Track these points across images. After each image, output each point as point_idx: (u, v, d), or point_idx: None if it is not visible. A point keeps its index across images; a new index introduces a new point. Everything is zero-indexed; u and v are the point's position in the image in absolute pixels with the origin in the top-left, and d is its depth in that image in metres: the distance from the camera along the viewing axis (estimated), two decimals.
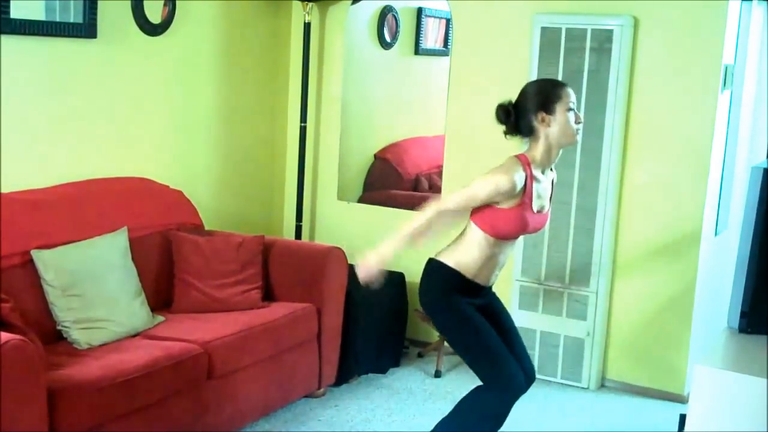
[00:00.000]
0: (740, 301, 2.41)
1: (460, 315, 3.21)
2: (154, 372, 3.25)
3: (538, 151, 3.16)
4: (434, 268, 3.25)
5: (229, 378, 3.61)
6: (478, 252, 3.18)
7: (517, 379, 3.21)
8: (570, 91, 3.18)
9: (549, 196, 3.27)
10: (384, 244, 3.16)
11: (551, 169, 3.27)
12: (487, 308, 3.29)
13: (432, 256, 3.28)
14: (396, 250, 3.16)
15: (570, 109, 3.14)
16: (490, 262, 3.21)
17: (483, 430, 3.27)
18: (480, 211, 3.16)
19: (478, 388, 3.26)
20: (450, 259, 3.21)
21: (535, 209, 3.17)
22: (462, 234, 3.24)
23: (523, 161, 3.14)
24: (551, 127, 3.13)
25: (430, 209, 3.14)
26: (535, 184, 3.15)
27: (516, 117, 3.17)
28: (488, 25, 4.66)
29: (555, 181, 3.33)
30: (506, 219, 3.13)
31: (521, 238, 3.48)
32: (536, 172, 3.16)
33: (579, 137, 3.21)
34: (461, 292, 3.21)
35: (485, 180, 3.10)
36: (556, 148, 3.18)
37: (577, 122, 3.16)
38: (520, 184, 3.09)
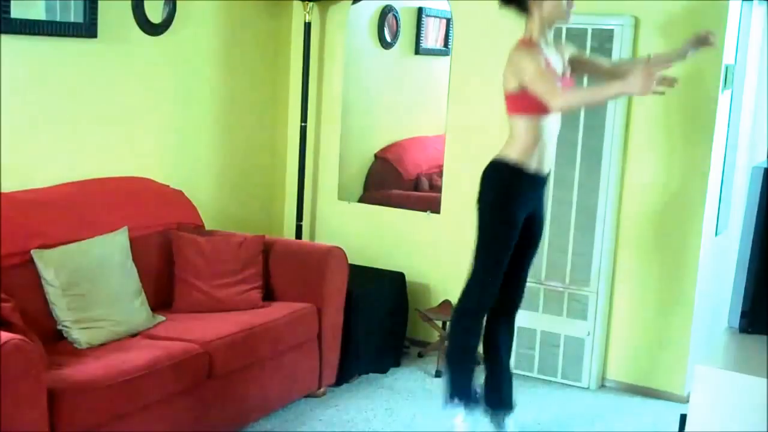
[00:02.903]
0: (740, 301, 2.41)
1: (502, 219, 3.52)
2: (155, 372, 3.25)
3: (534, 28, 3.45)
4: (495, 167, 3.53)
5: (229, 378, 3.61)
6: (526, 136, 3.45)
7: (482, 303, 3.62)
8: None
9: (563, 67, 3.54)
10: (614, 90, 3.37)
11: (554, 47, 3.54)
12: (529, 224, 3.59)
13: (493, 157, 3.56)
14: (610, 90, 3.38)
15: None
16: (539, 143, 3.47)
17: (466, 363, 3.70)
18: (516, 102, 3.45)
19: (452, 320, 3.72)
20: (510, 153, 3.48)
21: (559, 72, 3.46)
22: (510, 135, 3.51)
23: (525, 41, 3.44)
24: (544, 5, 3.41)
25: (567, 97, 3.40)
26: (545, 52, 3.44)
27: None
28: (488, 25, 4.65)
29: (565, 56, 3.60)
30: None
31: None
32: (543, 47, 3.44)
33: (571, 18, 3.46)
34: (518, 186, 3.49)
35: (522, 66, 3.34)
36: (548, 24, 3.46)
37: (570, 6, 3.42)
38: (535, 53, 3.37)
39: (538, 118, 3.44)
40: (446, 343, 3.87)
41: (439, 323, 4.69)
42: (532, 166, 3.49)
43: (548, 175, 3.64)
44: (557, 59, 3.53)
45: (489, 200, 3.56)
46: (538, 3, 3.41)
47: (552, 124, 3.51)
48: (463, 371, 3.73)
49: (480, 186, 3.57)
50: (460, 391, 3.70)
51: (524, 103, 3.42)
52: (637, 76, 3.16)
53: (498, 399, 3.82)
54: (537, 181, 3.56)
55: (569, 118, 4.37)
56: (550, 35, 3.52)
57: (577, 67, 3.68)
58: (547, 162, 3.55)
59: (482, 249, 3.59)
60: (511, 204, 3.52)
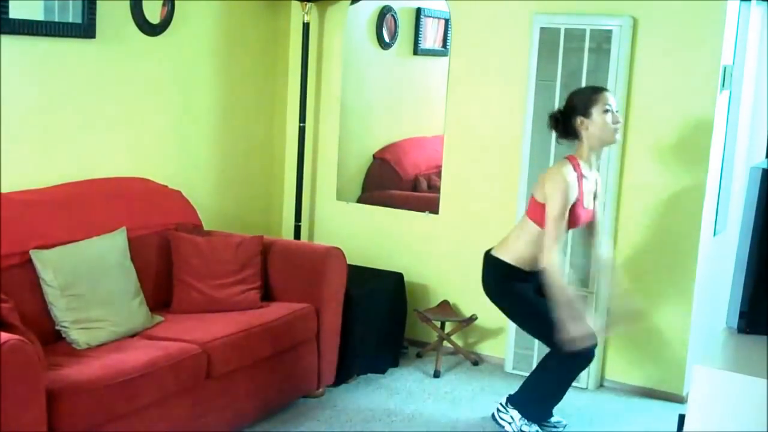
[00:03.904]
0: (739, 302, 2.41)
1: (519, 298, 3.73)
2: (153, 372, 3.25)
3: (584, 150, 3.63)
4: (492, 263, 3.75)
5: (228, 378, 3.61)
6: (533, 246, 3.62)
7: (586, 348, 3.66)
8: (607, 94, 3.62)
9: (594, 193, 3.71)
10: (565, 316, 3.52)
11: (597, 170, 3.72)
12: (540, 290, 3.67)
13: (490, 249, 3.77)
14: (575, 316, 3.56)
15: (606, 111, 3.57)
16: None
17: (560, 391, 3.84)
18: (538, 209, 3.60)
19: (547, 355, 3.79)
20: (507, 255, 3.69)
21: (585, 205, 3.64)
22: (519, 229, 3.69)
23: (573, 161, 3.61)
24: (590, 129, 3.59)
25: (557, 270, 3.55)
26: (584, 182, 3.61)
27: (563, 123, 3.65)
28: (487, 26, 4.66)
29: (599, 181, 3.77)
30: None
31: None
32: (584, 170, 3.61)
33: (618, 136, 3.65)
34: (519, 280, 3.69)
35: (554, 198, 3.53)
36: (598, 147, 3.65)
37: (615, 122, 3.59)
38: (573, 183, 3.55)
39: None
40: (540, 373, 3.92)
41: (438, 323, 4.70)
42: (528, 268, 3.69)
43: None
44: (592, 184, 3.69)
45: (497, 290, 3.81)
46: (585, 132, 3.60)
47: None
48: (548, 407, 3.95)
49: (483, 277, 3.82)
50: (537, 416, 3.89)
51: (544, 215, 3.58)
52: (580, 329, 3.52)
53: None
54: (532, 273, 3.70)
55: None
56: (600, 156, 3.79)
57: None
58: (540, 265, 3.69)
59: (528, 323, 3.85)
60: (514, 286, 3.74)
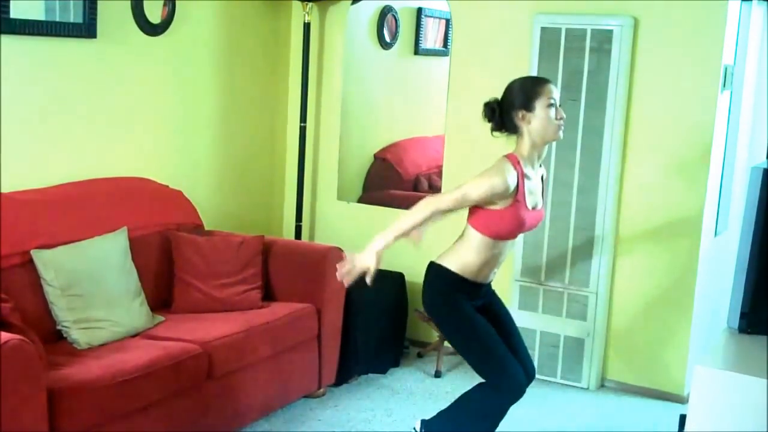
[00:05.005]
0: (740, 302, 2.41)
1: (462, 316, 3.25)
2: (154, 372, 3.25)
3: (525, 147, 3.20)
4: (436, 272, 3.29)
5: (229, 378, 3.61)
6: (478, 254, 3.21)
7: (518, 378, 3.24)
8: (551, 87, 3.20)
9: (541, 192, 3.30)
10: (376, 240, 3.14)
11: (540, 166, 3.29)
12: (488, 308, 3.34)
13: (433, 259, 3.30)
14: (387, 246, 3.14)
15: (551, 105, 3.16)
16: (490, 262, 3.24)
17: (479, 429, 3.31)
18: (476, 214, 3.19)
19: (479, 385, 3.30)
20: (451, 263, 3.24)
21: (529, 206, 3.20)
22: (461, 237, 3.27)
23: (513, 160, 3.17)
24: (532, 124, 3.17)
25: (425, 209, 3.13)
26: (526, 182, 3.18)
27: (500, 114, 3.23)
28: (488, 26, 4.66)
29: (545, 177, 3.36)
30: (503, 219, 3.16)
31: (520, 236, 3.50)
32: (527, 170, 3.19)
33: (561, 133, 3.22)
34: (463, 293, 3.25)
35: (479, 182, 3.12)
36: (541, 144, 3.21)
37: (558, 118, 3.18)
38: (513, 183, 3.12)
39: (493, 242, 3.20)
40: (466, 401, 3.41)
41: None
42: (476, 279, 3.26)
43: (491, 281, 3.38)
44: (537, 183, 3.27)
45: (437, 306, 3.35)
46: (527, 126, 3.18)
47: (510, 244, 3.28)
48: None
49: (423, 291, 3.35)
50: None
51: (487, 222, 3.18)
52: (368, 252, 3.11)
53: None
54: (481, 288, 3.31)
55: (569, 119, 4.36)
56: (543, 153, 3.27)
57: None
58: (491, 275, 3.32)
59: (467, 351, 3.36)
60: (458, 300, 3.26)
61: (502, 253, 3.26)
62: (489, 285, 3.37)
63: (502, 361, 3.24)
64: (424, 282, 3.33)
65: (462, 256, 3.24)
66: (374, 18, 5.40)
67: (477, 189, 3.11)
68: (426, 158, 5.54)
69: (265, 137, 5.17)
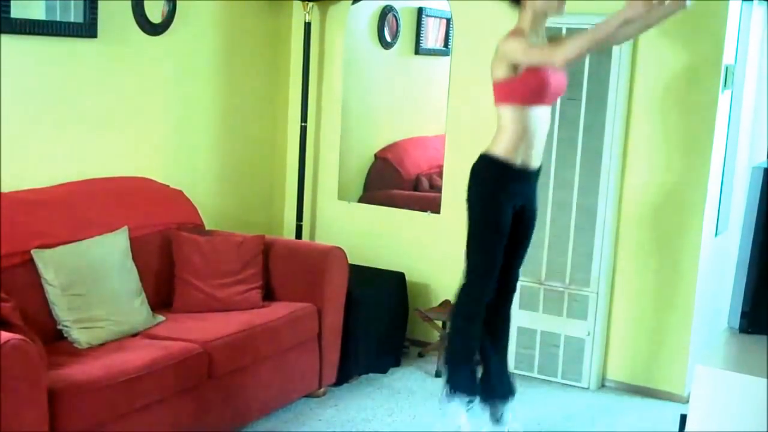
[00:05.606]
0: (741, 301, 2.41)
1: (491, 218, 3.51)
2: (155, 372, 3.25)
3: (526, 20, 3.45)
4: (478, 164, 3.52)
5: (229, 378, 3.61)
6: (511, 128, 3.43)
7: (481, 307, 3.63)
8: None
9: None
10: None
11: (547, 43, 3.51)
12: (520, 216, 3.58)
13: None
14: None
15: None
16: (525, 137, 3.44)
17: (465, 345, 3.72)
18: (501, 89, 3.44)
19: (452, 318, 3.76)
20: (490, 149, 3.48)
21: (552, 70, 3.40)
22: (497, 123, 3.49)
23: (514, 32, 3.42)
24: None
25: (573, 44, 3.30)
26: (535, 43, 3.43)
27: None
28: (488, 25, 4.65)
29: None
30: (528, 81, 3.39)
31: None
32: (532, 40, 3.43)
33: (563, 10, 3.48)
34: (506, 190, 3.49)
35: (513, 46, 3.35)
36: (541, 16, 3.45)
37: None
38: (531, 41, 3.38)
39: (526, 109, 3.42)
40: (446, 343, 3.86)
41: (439, 323, 4.69)
42: (518, 160, 3.47)
43: (539, 170, 3.60)
44: None
45: (477, 196, 3.56)
46: None
47: (541, 116, 3.47)
48: (463, 371, 3.73)
49: (469, 181, 3.57)
50: (461, 389, 3.70)
51: (511, 91, 3.41)
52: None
53: (498, 390, 3.81)
54: (525, 176, 3.53)
55: (569, 119, 4.38)
56: (542, 29, 3.52)
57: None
58: (535, 156, 3.52)
59: (474, 246, 3.61)
60: (499, 198, 3.50)
61: (535, 123, 3.44)
62: (532, 184, 3.58)
63: (485, 278, 3.59)
64: (471, 173, 3.54)
65: (497, 139, 3.47)
66: (375, 18, 5.40)
67: (525, 49, 3.35)
68: (427, 158, 5.54)
69: (266, 137, 5.17)
